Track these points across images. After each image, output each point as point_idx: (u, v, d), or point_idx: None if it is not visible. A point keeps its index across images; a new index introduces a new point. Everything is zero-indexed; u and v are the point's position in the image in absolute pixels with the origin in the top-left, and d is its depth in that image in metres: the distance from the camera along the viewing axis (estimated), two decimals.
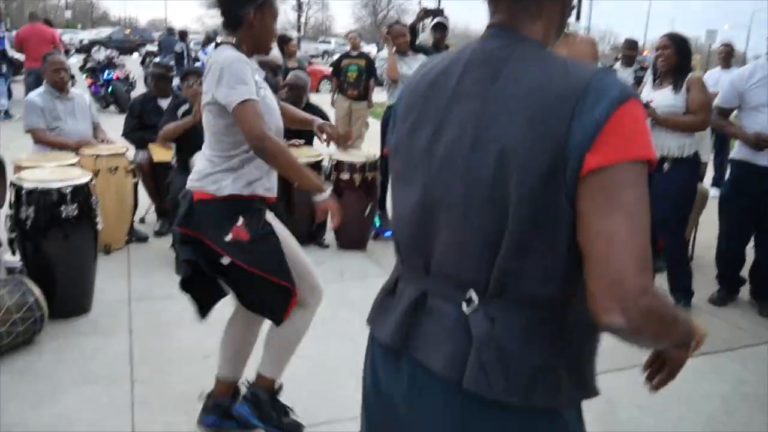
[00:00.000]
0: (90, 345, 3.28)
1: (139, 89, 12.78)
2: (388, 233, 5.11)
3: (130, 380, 2.98)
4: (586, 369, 1.10)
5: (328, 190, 2.38)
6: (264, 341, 2.57)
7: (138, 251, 4.70)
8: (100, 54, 12.49)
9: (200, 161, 2.39)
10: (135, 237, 4.86)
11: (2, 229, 3.65)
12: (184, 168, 4.37)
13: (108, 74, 12.02)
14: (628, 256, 0.91)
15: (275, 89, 4.32)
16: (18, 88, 11.25)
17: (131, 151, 5.03)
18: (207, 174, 2.31)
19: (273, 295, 2.32)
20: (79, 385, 2.91)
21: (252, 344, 2.63)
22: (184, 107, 4.56)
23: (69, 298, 3.48)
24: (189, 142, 4.30)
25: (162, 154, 4.80)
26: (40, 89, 4.70)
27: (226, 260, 2.26)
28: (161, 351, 3.26)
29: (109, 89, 11.92)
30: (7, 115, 10.20)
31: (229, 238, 2.24)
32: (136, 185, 4.78)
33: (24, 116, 4.67)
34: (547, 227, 0.98)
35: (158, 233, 5.04)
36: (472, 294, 1.06)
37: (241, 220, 2.25)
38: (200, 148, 4.17)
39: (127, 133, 5.29)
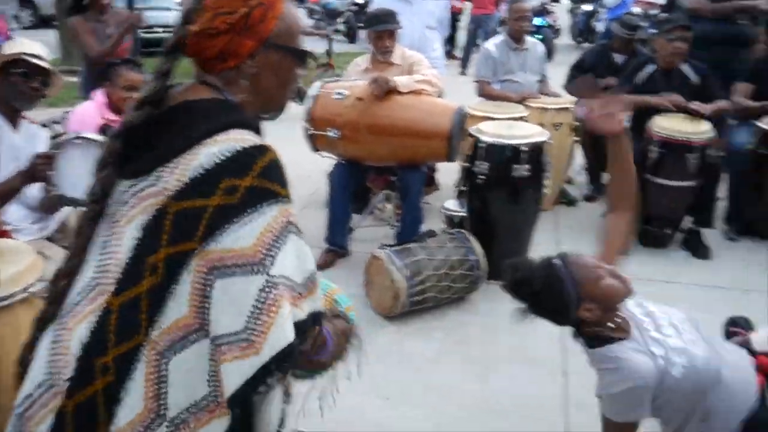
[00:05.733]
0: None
1: (563, 39, 12.46)
2: None
3: (562, 371, 2.67)
4: None
5: None
6: None
7: (566, 215, 4.37)
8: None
9: None
10: (565, 199, 4.55)
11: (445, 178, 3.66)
12: (639, 133, 3.81)
13: (541, 21, 11.89)
14: None
15: None
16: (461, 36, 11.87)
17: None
18: None
19: None
20: (509, 363, 2.73)
21: None
22: (647, 69, 3.91)
23: (505, 260, 3.33)
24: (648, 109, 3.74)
25: None
26: (498, 38, 4.59)
27: None
28: None
29: (540, 37, 11.79)
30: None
31: None
32: (573, 144, 4.42)
33: (477, 65, 4.63)
34: None
35: (588, 198, 4.64)
36: None
37: None
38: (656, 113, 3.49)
39: (570, 86, 4.90)
